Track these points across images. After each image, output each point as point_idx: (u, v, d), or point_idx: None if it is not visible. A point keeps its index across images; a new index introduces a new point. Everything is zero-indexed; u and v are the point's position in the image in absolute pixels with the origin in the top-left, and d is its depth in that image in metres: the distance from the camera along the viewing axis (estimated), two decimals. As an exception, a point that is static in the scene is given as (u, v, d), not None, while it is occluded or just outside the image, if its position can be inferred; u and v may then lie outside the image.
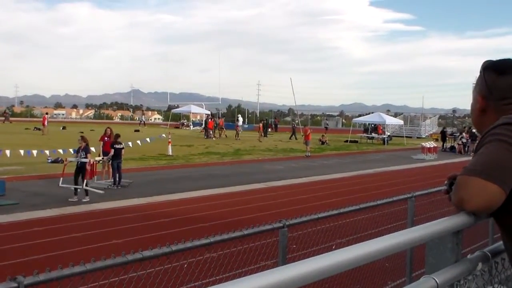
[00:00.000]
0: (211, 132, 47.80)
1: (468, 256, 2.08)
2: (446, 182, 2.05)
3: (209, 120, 50.65)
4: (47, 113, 58.38)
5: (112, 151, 17.90)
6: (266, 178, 20.73)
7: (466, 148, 38.78)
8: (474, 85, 2.21)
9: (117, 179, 17.69)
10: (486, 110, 2.10)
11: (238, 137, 47.43)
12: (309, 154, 32.40)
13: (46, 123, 47.49)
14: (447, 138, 44.33)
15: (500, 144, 1.83)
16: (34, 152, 20.21)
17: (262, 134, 49.33)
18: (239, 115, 66.55)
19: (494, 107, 2.07)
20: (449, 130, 52.29)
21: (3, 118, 67.38)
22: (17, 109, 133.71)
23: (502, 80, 2.06)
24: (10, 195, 14.86)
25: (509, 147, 1.81)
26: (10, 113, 79.44)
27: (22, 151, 20.26)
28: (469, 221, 1.87)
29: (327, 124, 57.34)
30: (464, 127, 48.31)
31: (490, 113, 2.08)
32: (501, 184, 1.78)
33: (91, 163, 15.83)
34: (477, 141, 2.05)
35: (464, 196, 1.83)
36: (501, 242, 2.11)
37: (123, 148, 18.58)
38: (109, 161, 18.03)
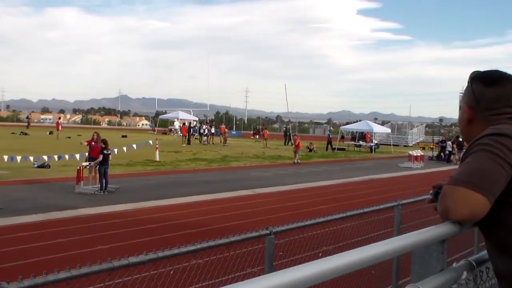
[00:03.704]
0: (206, 139, 48.12)
1: (454, 265, 2.09)
2: (431, 191, 2.06)
3: (182, 126, 50.92)
4: (60, 118, 58.69)
5: (101, 157, 17.80)
6: (254, 185, 20.71)
7: (451, 157, 38.99)
8: (461, 95, 2.24)
9: (104, 184, 17.59)
10: (473, 120, 2.13)
11: (226, 143, 47.57)
12: (299, 161, 32.41)
13: (60, 127, 49.28)
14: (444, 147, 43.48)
15: (486, 154, 1.85)
16: (18, 158, 20.08)
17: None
18: (176, 120, 67.24)
19: (481, 118, 2.10)
20: (436, 138, 52.54)
21: (26, 123, 67.37)
22: (3, 113, 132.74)
23: (489, 91, 2.09)
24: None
25: (495, 157, 1.83)
26: (31, 118, 79.12)
27: (6, 157, 20.11)
28: (454, 230, 1.88)
29: (343, 133, 56.56)
30: (451, 136, 48.60)
31: (477, 123, 2.11)
32: (486, 194, 1.80)
33: None
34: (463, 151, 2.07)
35: (449, 205, 1.84)
36: (486, 251, 2.12)
37: (110, 153, 18.50)
38: (96, 166, 17.93)
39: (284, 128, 57.69)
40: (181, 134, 48.84)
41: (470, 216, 1.84)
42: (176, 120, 67.65)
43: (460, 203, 1.82)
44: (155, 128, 70.69)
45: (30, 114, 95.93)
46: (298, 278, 1.32)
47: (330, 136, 50.10)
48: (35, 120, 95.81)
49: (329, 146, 47.36)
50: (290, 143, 51.18)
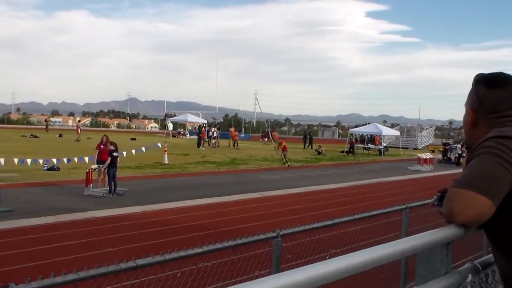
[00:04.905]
0: (214, 142, 48.11)
1: (464, 267, 2.09)
2: (435, 197, 2.06)
3: (202, 129, 50.86)
4: (79, 121, 59.52)
5: (109, 159, 17.88)
6: (262, 188, 20.71)
7: (460, 160, 38.78)
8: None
9: (113, 187, 17.63)
10: (478, 123, 2.13)
11: (237, 146, 47.49)
12: (289, 164, 31.35)
13: (79, 130, 51.12)
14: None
15: (490, 157, 1.85)
16: (28, 160, 20.22)
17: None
18: (169, 121, 67.90)
19: (485, 120, 2.09)
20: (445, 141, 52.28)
21: (45, 126, 67.91)
22: (14, 116, 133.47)
23: (493, 93, 2.09)
24: (5, 202, 14.81)
25: (499, 160, 1.83)
26: (50, 121, 79.70)
27: (16, 159, 20.25)
28: (459, 233, 1.88)
29: (356, 137, 56.16)
30: (461, 139, 48.36)
31: (481, 126, 2.11)
32: (490, 196, 1.79)
33: None
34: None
35: (454, 208, 1.84)
36: (492, 254, 2.12)
37: (118, 156, 18.57)
38: (105, 169, 18.00)
39: (304, 131, 57.80)
40: (201, 138, 48.84)
41: (475, 218, 1.84)
42: (169, 122, 68.44)
43: (465, 205, 1.82)
44: (168, 131, 70.45)
45: (48, 117, 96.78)
46: (305, 278, 1.33)
47: (353, 140, 49.62)
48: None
49: (352, 149, 46.50)
50: (310, 146, 50.88)
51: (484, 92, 2.11)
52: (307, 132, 60.18)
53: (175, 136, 63.46)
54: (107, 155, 18.19)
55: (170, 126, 66.97)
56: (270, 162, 33.75)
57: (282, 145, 32.81)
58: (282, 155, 32.27)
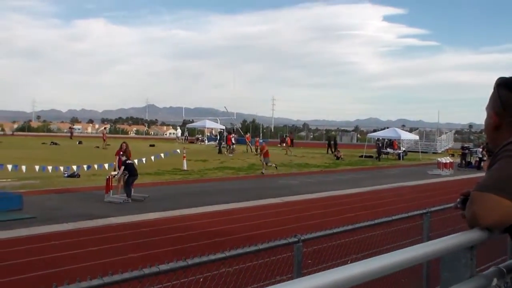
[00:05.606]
0: (232, 147, 48.16)
1: (489, 270, 2.09)
2: (458, 200, 2.07)
3: (227, 134, 51.06)
4: (105, 128, 60.67)
5: (122, 168, 18.00)
6: (281, 193, 20.70)
7: (481, 164, 38.33)
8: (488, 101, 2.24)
9: (127, 192, 17.70)
10: (500, 126, 2.12)
11: (257, 152, 47.38)
12: (263, 172, 29.41)
13: (105, 138, 52.64)
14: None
15: (513, 160, 1.85)
16: (49, 167, 20.47)
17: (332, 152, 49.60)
18: (178, 127, 68.56)
19: (508, 124, 2.09)
20: (465, 145, 51.74)
21: (70, 134, 69.00)
22: (34, 123, 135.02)
23: (516, 97, 2.08)
24: (27, 209, 15.01)
25: (522, 164, 1.83)
26: (74, 129, 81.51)
27: (37, 167, 20.51)
28: (483, 236, 1.88)
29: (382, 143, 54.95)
30: (481, 143, 47.86)
31: (503, 130, 2.10)
32: (514, 199, 1.79)
33: None
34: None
35: (477, 212, 1.84)
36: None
37: (132, 163, 18.63)
38: (125, 175, 18.08)
39: (328, 137, 57.84)
40: (226, 144, 48.97)
41: (499, 222, 1.84)
42: (178, 128, 69.26)
43: (489, 209, 1.82)
44: (188, 138, 70.52)
45: (72, 125, 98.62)
46: (327, 283, 1.34)
47: (380, 145, 48.82)
48: (65, 130, 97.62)
49: (379, 155, 45.74)
50: (335, 152, 50.24)
51: (507, 95, 2.10)
52: (332, 138, 60.13)
53: (193, 142, 63.70)
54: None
55: (179, 132, 67.59)
56: (289, 168, 33.72)
57: (263, 150, 31.21)
58: (263, 161, 30.31)
